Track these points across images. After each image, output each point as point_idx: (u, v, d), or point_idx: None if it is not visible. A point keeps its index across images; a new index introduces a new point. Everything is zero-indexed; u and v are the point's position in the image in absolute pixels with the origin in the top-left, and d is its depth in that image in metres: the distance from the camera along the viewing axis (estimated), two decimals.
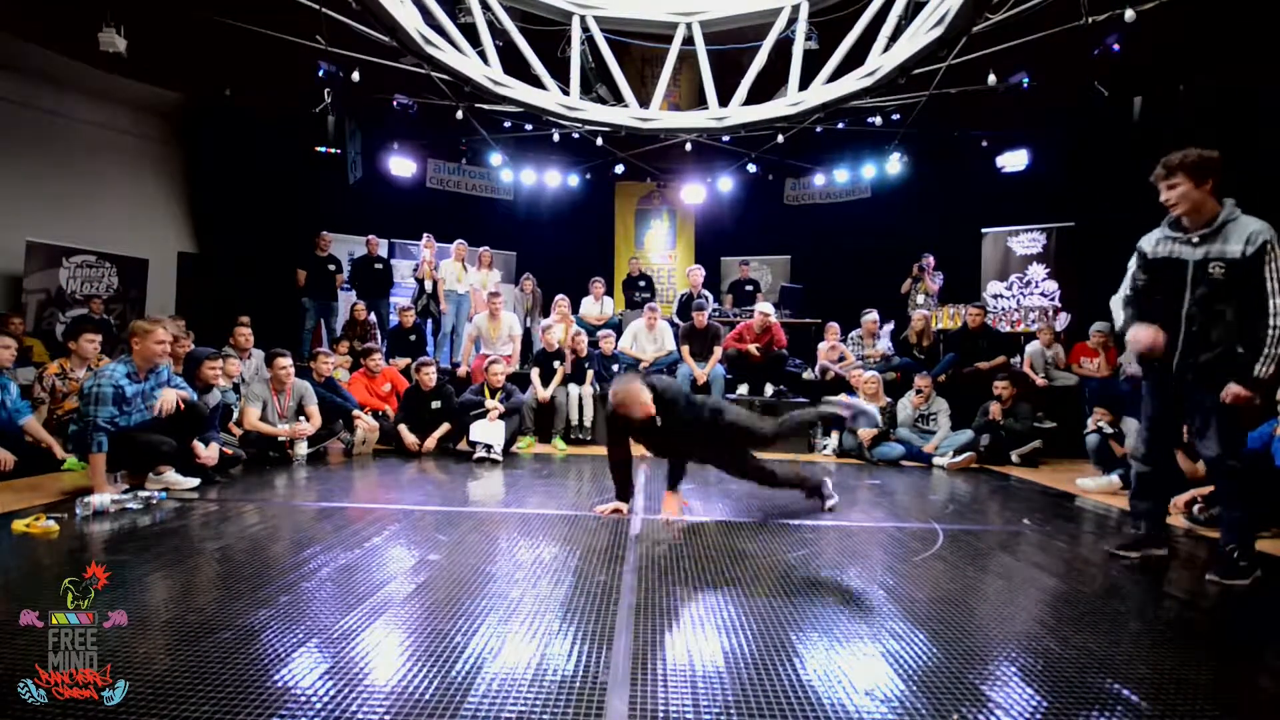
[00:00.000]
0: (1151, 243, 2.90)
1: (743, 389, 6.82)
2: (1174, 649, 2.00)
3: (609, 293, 8.73)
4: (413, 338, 7.61)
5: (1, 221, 7.91)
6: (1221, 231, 2.65)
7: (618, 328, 8.05)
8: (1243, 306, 2.62)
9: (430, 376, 5.74)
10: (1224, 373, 2.66)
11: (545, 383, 6.53)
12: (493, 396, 5.71)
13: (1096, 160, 8.39)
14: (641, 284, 9.46)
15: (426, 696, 1.58)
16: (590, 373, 6.63)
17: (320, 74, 7.17)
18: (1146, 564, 2.94)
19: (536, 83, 6.82)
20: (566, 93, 6.81)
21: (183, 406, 3.91)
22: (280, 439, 5.02)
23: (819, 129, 9.00)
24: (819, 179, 10.91)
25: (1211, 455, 2.77)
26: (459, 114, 8.46)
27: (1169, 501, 3.20)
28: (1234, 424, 2.73)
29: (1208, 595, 2.68)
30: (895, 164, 9.62)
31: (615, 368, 6.85)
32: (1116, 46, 6.10)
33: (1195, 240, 2.70)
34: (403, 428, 5.60)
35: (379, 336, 8.16)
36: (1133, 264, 3.02)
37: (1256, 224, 2.61)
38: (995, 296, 9.20)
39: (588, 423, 6.48)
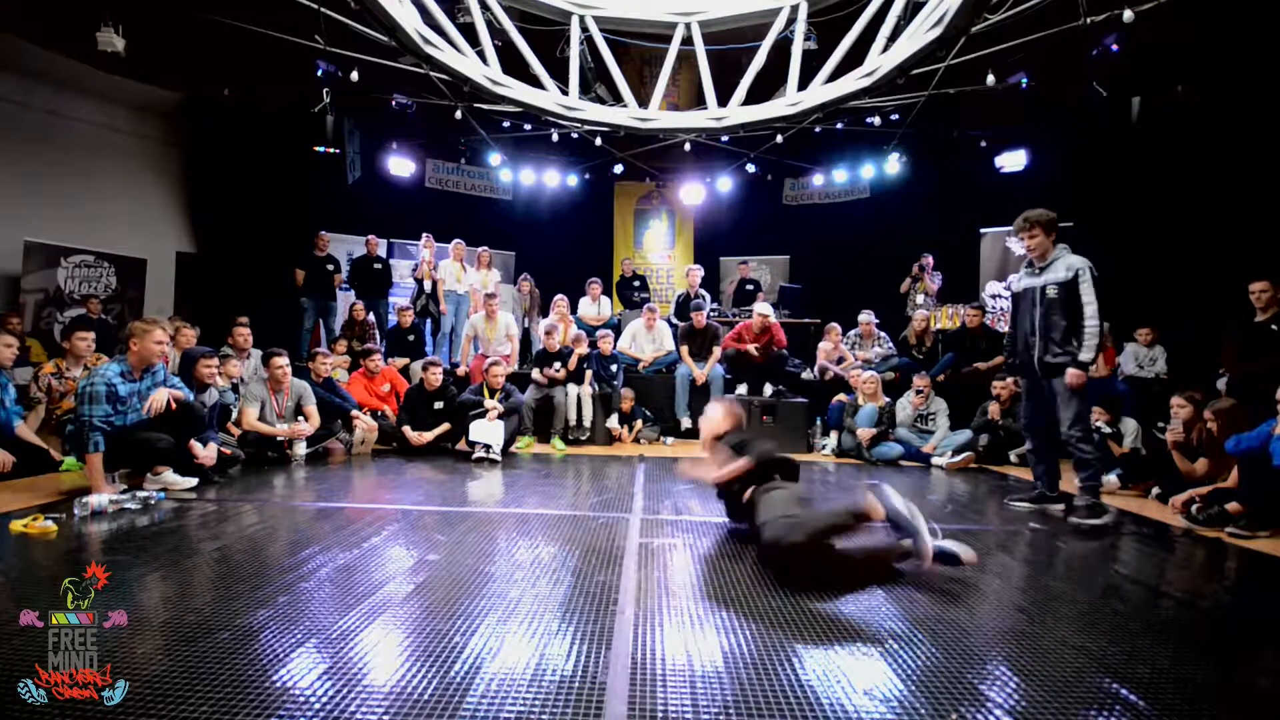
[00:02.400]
0: (1015, 282, 4.08)
1: (742, 389, 6.82)
2: (1174, 649, 2.00)
3: (606, 293, 8.73)
4: (411, 338, 7.61)
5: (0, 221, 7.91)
6: (1052, 266, 3.78)
7: (616, 328, 8.06)
8: (1069, 316, 3.69)
9: (436, 377, 5.76)
10: (1065, 365, 3.69)
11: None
12: (492, 397, 5.71)
13: (1095, 160, 8.40)
14: (636, 284, 9.45)
15: (425, 696, 1.58)
16: (589, 373, 6.63)
17: (319, 73, 7.17)
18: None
19: (535, 82, 6.81)
20: (565, 93, 6.80)
21: (174, 406, 3.90)
22: (279, 439, 5.01)
23: (818, 129, 9.00)
24: (818, 179, 10.91)
25: (1062, 430, 3.77)
26: (458, 114, 8.45)
27: (1058, 463, 4.03)
28: (1078, 404, 3.71)
29: (1207, 595, 2.69)
30: (894, 164, 9.62)
31: (614, 368, 6.85)
32: (1115, 47, 6.10)
33: (1038, 272, 3.84)
34: (406, 428, 5.62)
35: (378, 336, 8.15)
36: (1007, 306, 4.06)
37: (1074, 258, 3.72)
38: (994, 297, 9.20)
39: (586, 423, 6.48)
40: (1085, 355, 3.62)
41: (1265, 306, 4.94)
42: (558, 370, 6.46)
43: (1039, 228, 3.79)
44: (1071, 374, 3.64)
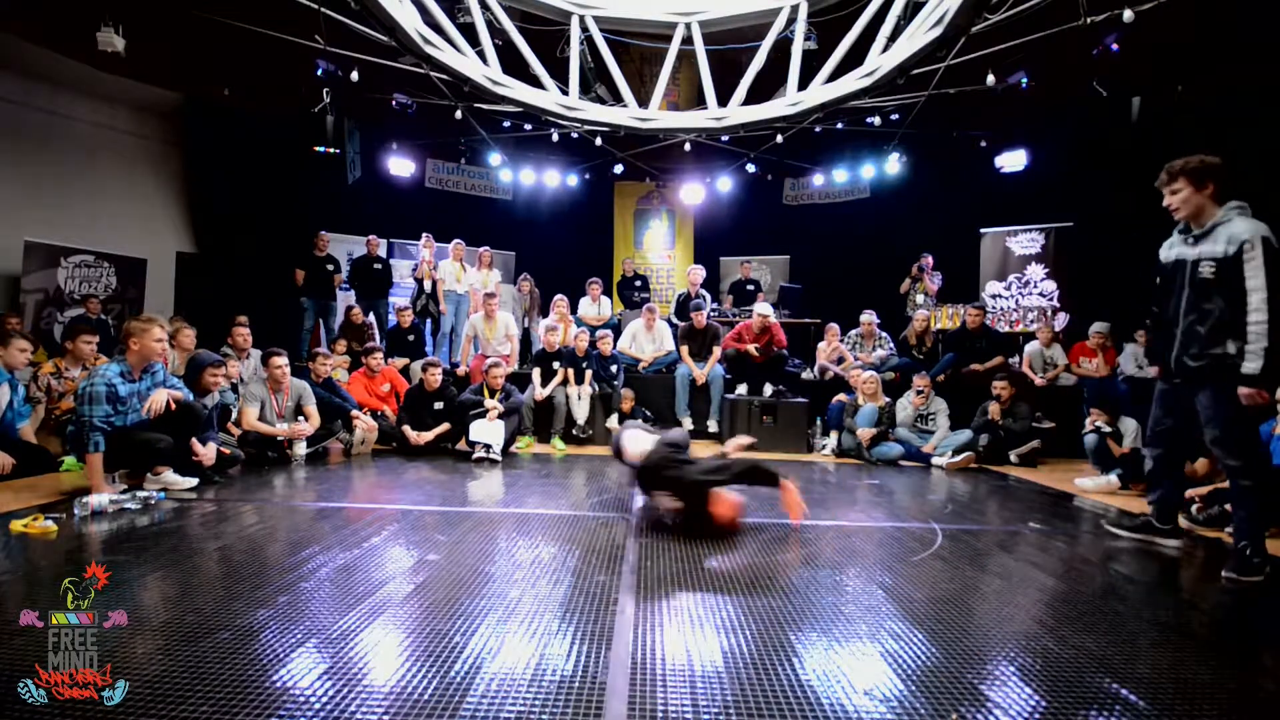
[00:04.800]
0: (1165, 248, 3.02)
1: (742, 389, 6.82)
2: (1174, 649, 2.00)
3: (606, 293, 8.73)
4: (411, 338, 7.61)
5: (0, 221, 7.91)
6: (1212, 233, 2.78)
7: (616, 328, 8.06)
8: (1230, 303, 2.70)
9: (435, 377, 5.77)
10: (1212, 372, 2.77)
11: (545, 383, 6.53)
12: (492, 396, 5.71)
13: (1095, 160, 8.40)
14: (637, 284, 9.45)
15: (425, 696, 1.58)
16: (589, 373, 6.63)
17: (319, 73, 7.17)
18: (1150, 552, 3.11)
19: (535, 82, 6.81)
20: (565, 92, 6.81)
21: (174, 406, 3.90)
22: (279, 439, 5.01)
23: (818, 129, 9.00)
24: (818, 179, 10.92)
25: (1217, 453, 2.89)
26: (458, 114, 8.45)
27: (1180, 490, 3.23)
28: (1235, 424, 2.77)
29: (1207, 595, 2.69)
30: (894, 164, 9.63)
31: (614, 368, 6.85)
32: (1115, 46, 6.11)
33: (1192, 241, 2.85)
34: (406, 427, 5.62)
35: (377, 337, 8.15)
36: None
37: (1242, 224, 2.69)
38: (994, 296, 9.21)
39: (580, 419, 6.47)
40: (1249, 365, 2.64)
41: None
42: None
43: (1184, 178, 2.82)
44: (1243, 392, 2.68)
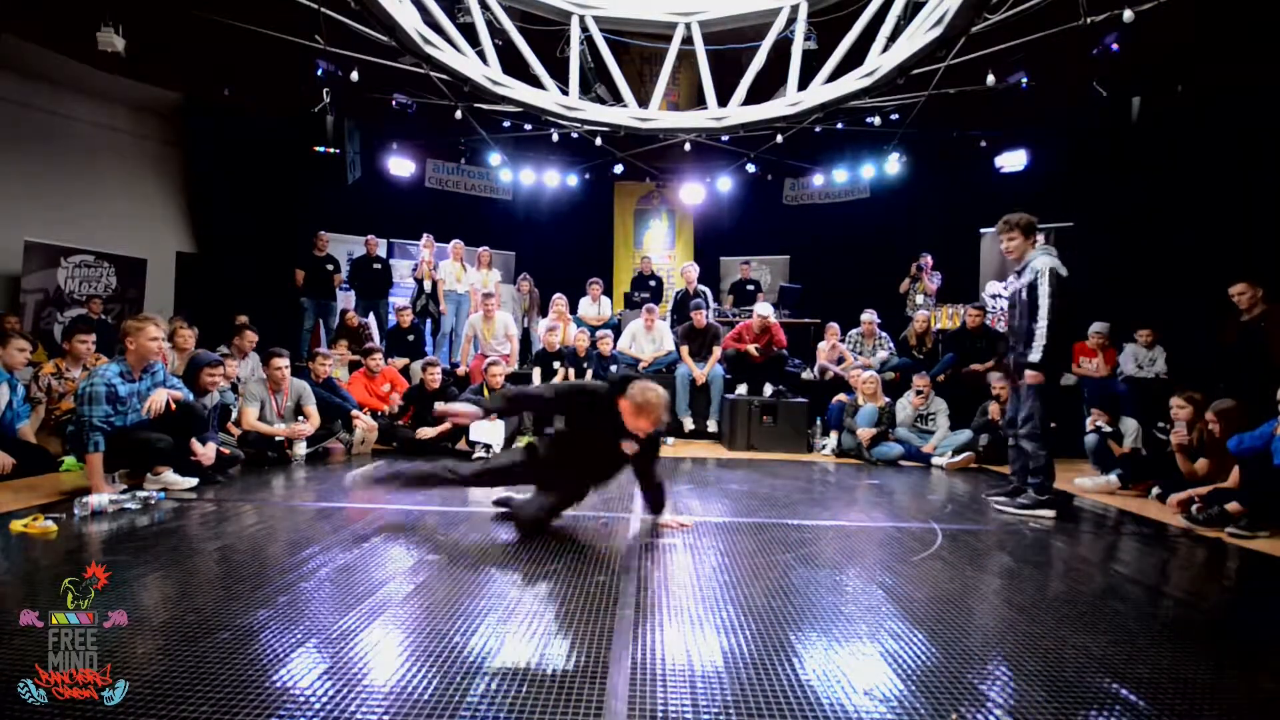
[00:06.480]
0: (1009, 282, 4.17)
1: (742, 389, 6.82)
2: (1174, 649, 2.00)
3: (607, 292, 8.72)
4: (411, 338, 7.61)
5: (0, 221, 7.91)
6: (1027, 267, 3.84)
7: (616, 328, 8.06)
8: (1030, 318, 3.76)
9: (435, 377, 5.77)
10: (1019, 369, 3.84)
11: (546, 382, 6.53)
12: None
13: (1095, 160, 8.40)
14: (652, 284, 9.38)
15: (425, 696, 1.58)
16: (589, 373, 6.63)
17: (319, 73, 7.17)
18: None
19: (535, 82, 6.81)
20: (565, 92, 6.80)
21: (174, 406, 3.89)
22: (279, 439, 5.01)
23: (818, 129, 8.99)
24: (818, 179, 10.91)
25: (1015, 428, 4.00)
26: (458, 114, 8.45)
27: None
28: (1031, 403, 3.85)
29: (1207, 595, 2.69)
30: (894, 164, 9.62)
31: (613, 368, 6.85)
32: (1115, 46, 6.10)
33: (1017, 275, 3.93)
34: (402, 422, 5.63)
35: (375, 338, 8.15)
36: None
37: (1039, 260, 3.77)
38: (994, 296, 9.18)
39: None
40: (1032, 356, 3.73)
41: (1249, 307, 4.96)
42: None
43: (1017, 230, 3.91)
44: (1029, 375, 3.75)
